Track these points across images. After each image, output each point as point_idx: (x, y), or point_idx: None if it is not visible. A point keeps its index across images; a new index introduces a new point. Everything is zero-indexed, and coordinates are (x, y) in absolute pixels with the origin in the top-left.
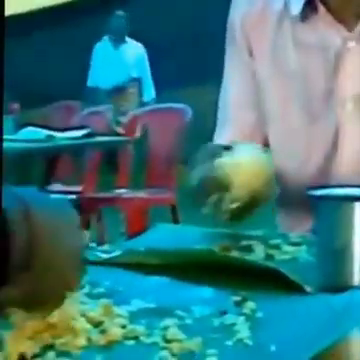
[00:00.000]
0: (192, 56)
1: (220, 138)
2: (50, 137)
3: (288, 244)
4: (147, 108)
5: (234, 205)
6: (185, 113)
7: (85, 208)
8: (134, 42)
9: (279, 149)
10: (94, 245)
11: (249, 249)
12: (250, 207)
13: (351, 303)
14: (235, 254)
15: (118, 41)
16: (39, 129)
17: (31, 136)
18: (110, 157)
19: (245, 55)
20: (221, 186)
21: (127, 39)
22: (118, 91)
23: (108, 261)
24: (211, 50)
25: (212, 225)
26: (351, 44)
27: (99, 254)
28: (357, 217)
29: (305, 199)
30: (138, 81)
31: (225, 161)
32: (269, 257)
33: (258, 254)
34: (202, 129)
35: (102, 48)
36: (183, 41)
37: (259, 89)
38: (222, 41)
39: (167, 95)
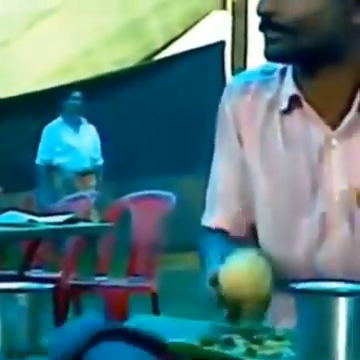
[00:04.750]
0: (177, 145)
1: (208, 222)
2: (32, 222)
3: (271, 338)
4: (131, 195)
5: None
6: (168, 200)
7: (63, 295)
8: (87, 124)
9: (266, 237)
10: None
11: (231, 343)
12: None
13: None
14: (216, 348)
15: (75, 123)
16: (21, 214)
17: (13, 220)
18: (92, 243)
19: (235, 143)
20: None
21: (82, 120)
22: (85, 174)
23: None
24: (196, 139)
25: (192, 317)
26: (335, 142)
27: None
28: (340, 312)
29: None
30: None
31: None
32: (251, 352)
33: (239, 349)
34: (185, 217)
35: (59, 129)
36: (167, 130)
37: (247, 177)
38: (207, 129)
39: (151, 182)
